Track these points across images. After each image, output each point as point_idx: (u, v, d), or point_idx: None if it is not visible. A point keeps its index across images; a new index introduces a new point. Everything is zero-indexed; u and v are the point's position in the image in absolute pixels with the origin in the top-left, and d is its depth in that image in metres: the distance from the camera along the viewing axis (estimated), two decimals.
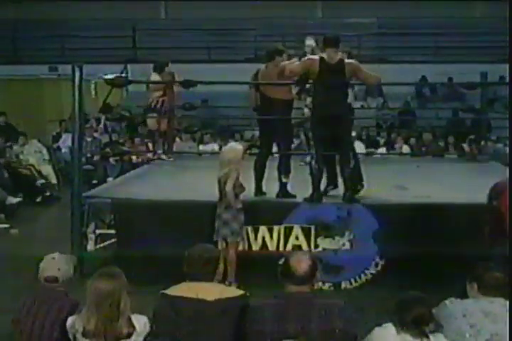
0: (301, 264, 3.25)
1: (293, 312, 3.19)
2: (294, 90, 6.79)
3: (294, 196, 6.43)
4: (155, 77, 8.88)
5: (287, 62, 6.33)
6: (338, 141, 6.38)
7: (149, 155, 9.57)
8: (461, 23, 15.57)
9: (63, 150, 12.48)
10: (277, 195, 6.47)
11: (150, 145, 9.68)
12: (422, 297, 3.25)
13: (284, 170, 6.45)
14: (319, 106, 6.18)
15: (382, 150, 12.20)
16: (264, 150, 6.74)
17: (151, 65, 9.13)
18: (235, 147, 6.09)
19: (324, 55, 6.05)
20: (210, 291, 3.35)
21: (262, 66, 6.63)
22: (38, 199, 10.23)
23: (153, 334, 3.29)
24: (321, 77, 6.05)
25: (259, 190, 6.52)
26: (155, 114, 9.02)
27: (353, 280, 6.15)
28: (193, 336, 3.28)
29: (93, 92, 13.95)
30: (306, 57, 6.26)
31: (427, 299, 3.24)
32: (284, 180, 6.43)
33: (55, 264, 3.60)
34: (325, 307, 3.21)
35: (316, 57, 6.10)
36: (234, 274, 5.72)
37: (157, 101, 8.84)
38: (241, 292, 3.47)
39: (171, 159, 9.35)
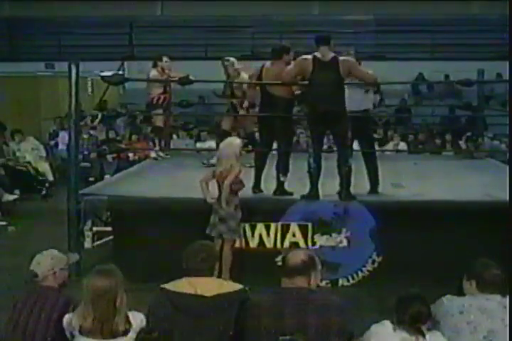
0: (295, 257, 3.26)
1: (290, 308, 3.18)
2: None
3: (291, 193, 6.42)
4: (154, 73, 8.84)
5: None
6: (335, 138, 6.40)
7: (153, 152, 9.51)
8: (458, 20, 15.57)
9: (60, 148, 12.44)
10: (274, 193, 6.46)
11: (156, 141, 9.62)
12: (419, 294, 3.25)
13: (282, 169, 6.43)
14: (314, 104, 6.17)
15: (379, 147, 12.15)
16: (264, 147, 6.73)
17: (148, 62, 9.09)
18: (233, 141, 6.04)
19: (317, 54, 6.05)
20: (209, 286, 3.34)
21: (267, 63, 6.59)
22: (35, 197, 10.22)
23: (148, 330, 3.27)
24: (314, 74, 6.05)
25: (257, 187, 6.53)
26: (159, 110, 8.99)
27: (350, 278, 6.15)
28: (191, 332, 3.27)
29: (90, 90, 13.95)
30: (300, 57, 6.25)
31: (424, 296, 3.24)
32: (281, 179, 6.42)
33: (38, 260, 3.61)
34: (322, 303, 3.21)
35: (309, 56, 6.10)
36: (229, 272, 5.69)
37: (159, 98, 8.80)
38: (240, 286, 3.45)
39: (168, 156, 9.34)
